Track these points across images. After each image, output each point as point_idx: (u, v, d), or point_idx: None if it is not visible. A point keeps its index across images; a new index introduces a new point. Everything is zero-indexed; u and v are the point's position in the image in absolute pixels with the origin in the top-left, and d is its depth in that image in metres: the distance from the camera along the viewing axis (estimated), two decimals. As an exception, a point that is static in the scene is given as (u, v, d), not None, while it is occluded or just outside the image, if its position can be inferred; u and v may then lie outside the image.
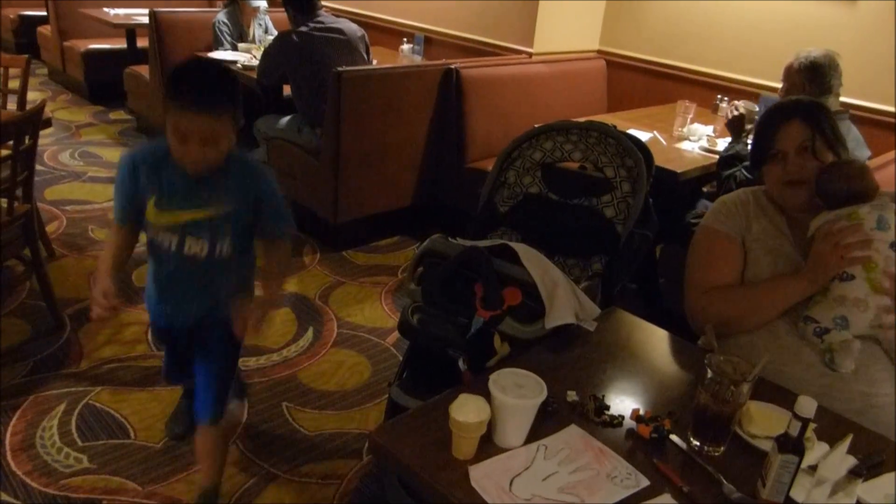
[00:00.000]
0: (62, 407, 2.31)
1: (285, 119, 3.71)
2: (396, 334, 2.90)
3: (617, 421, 1.30)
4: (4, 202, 2.39)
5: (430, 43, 4.69)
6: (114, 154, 4.58)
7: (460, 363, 1.61)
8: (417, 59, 4.63)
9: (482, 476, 1.15)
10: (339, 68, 3.22)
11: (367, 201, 3.60)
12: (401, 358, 2.73)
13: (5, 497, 1.95)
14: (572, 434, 1.26)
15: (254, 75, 3.86)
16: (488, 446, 1.21)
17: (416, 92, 3.53)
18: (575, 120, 2.12)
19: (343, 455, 2.24)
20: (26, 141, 2.35)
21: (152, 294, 1.80)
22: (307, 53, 3.43)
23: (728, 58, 3.80)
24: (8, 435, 2.17)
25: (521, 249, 1.61)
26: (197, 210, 1.61)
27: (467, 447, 1.18)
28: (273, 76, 3.62)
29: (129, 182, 1.62)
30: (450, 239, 1.74)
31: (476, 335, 1.58)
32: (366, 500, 2.07)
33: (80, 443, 2.17)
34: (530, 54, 4.01)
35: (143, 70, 4.64)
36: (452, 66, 3.56)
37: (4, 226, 2.36)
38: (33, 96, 3.87)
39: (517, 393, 1.19)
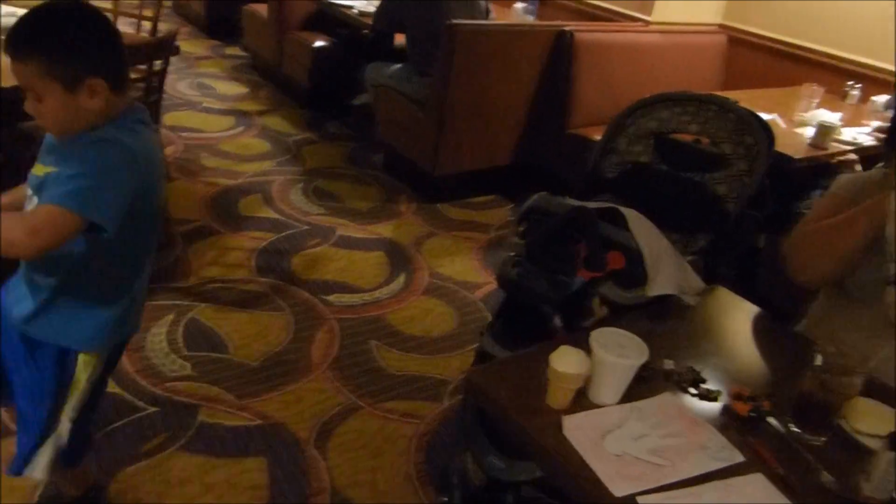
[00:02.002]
0: (170, 317, 2.48)
1: (395, 67, 3.75)
2: (485, 289, 2.95)
3: (713, 395, 1.30)
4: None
5: (543, 3, 4.62)
6: (227, 87, 4.76)
7: (555, 320, 1.63)
8: (529, 20, 4.57)
9: (575, 427, 1.18)
10: (453, 21, 3.23)
11: (467, 156, 3.62)
12: (487, 313, 2.80)
13: (118, 390, 2.13)
14: (666, 401, 1.28)
15: (368, 21, 3.92)
16: (582, 400, 1.24)
17: (527, 52, 3.51)
18: (695, 92, 2.07)
19: (424, 397, 2.32)
20: (157, 65, 2.48)
21: None
22: (427, 2, 3.45)
23: (866, 42, 3.57)
24: (122, 336, 2.35)
25: (631, 215, 1.61)
26: (40, 165, 1.33)
27: (562, 397, 1.21)
28: (389, 22, 3.67)
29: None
30: (558, 198, 1.75)
31: (575, 294, 1.59)
32: (443, 442, 2.14)
33: (184, 351, 2.33)
34: (648, 22, 3.90)
35: (262, 9, 4.77)
36: (566, 29, 3.51)
37: (133, 143, 2.51)
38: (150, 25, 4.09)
39: (618, 352, 1.21)
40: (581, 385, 1.22)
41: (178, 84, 4.67)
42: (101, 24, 1.28)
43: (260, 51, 4.93)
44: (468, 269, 3.10)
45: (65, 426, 1.44)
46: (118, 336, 1.50)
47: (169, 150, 3.68)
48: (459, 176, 3.68)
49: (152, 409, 2.08)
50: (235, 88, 4.77)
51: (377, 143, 4.07)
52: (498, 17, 4.38)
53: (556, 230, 1.65)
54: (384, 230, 3.30)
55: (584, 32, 3.51)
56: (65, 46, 1.22)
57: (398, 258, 3.10)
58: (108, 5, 3.31)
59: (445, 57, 3.27)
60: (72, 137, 1.28)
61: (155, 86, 2.49)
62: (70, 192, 1.20)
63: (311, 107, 4.52)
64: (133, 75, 2.42)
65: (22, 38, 1.21)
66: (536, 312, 1.71)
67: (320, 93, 4.49)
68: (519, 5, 4.67)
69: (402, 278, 2.96)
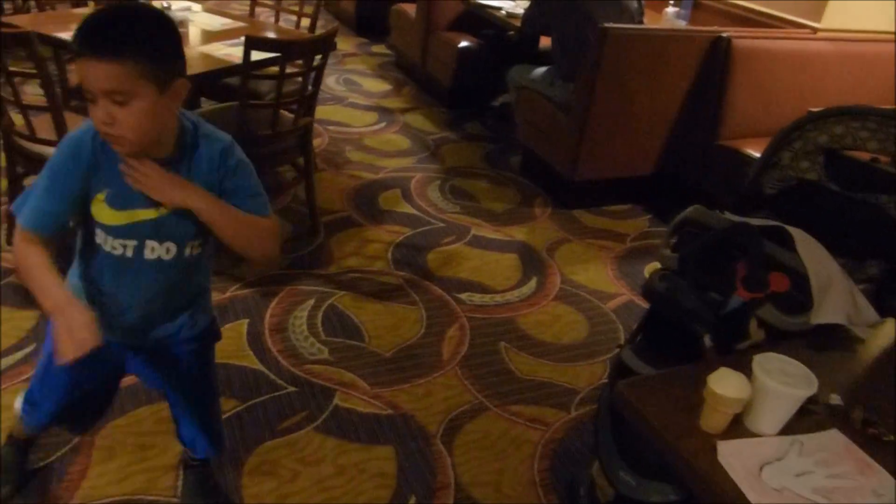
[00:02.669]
0: (311, 302, 2.58)
1: (540, 70, 3.73)
2: (618, 301, 2.87)
3: (886, 437, 1.19)
4: (283, 114, 2.66)
5: (697, 8, 4.44)
6: (372, 84, 4.91)
7: (705, 339, 1.56)
8: (681, 24, 4.40)
9: (730, 454, 1.12)
10: (606, 24, 3.16)
11: (607, 164, 3.54)
12: (620, 325, 2.72)
13: (261, 367, 2.24)
14: (833, 438, 1.18)
15: (515, 23, 3.92)
16: (737, 426, 1.17)
17: (679, 58, 3.38)
18: (878, 107, 1.91)
19: (551, 404, 2.28)
20: (317, 60, 2.59)
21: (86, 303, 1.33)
22: (576, 5, 3.40)
23: None
24: (268, 316, 2.47)
25: (799, 235, 1.51)
26: (146, 208, 1.27)
27: (718, 421, 1.15)
28: (537, 25, 3.65)
29: (72, 168, 1.24)
30: (717, 211, 1.67)
31: (730, 315, 1.51)
32: (569, 452, 2.10)
33: (323, 336, 2.42)
34: (815, 29, 3.65)
35: (410, 8, 4.89)
36: (724, 35, 3.35)
37: (289, 134, 2.64)
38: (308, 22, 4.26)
39: (783, 380, 1.13)
40: (739, 410, 1.15)
41: (326, 79, 4.86)
42: (173, 23, 1.24)
43: (405, 49, 5.05)
44: (601, 279, 3.03)
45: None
46: None
47: (316, 142, 3.84)
48: (597, 183, 3.60)
49: (291, 389, 2.17)
50: (380, 85, 4.91)
51: (515, 145, 4.07)
52: (647, 21, 4.25)
53: (714, 245, 1.57)
54: (518, 233, 3.29)
55: (743, 39, 3.33)
56: (164, 45, 1.17)
57: (531, 262, 3.08)
58: (270, 2, 3.50)
59: (593, 61, 3.21)
60: (148, 146, 1.22)
61: (313, 80, 2.60)
62: (265, 202, 1.35)
63: (451, 106, 4.58)
64: (291, 69, 2.54)
65: (113, 35, 1.12)
66: (684, 329, 1.64)
67: (461, 93, 4.55)
68: (670, 9, 4.51)
69: (533, 282, 2.93)
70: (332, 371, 2.27)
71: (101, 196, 1.26)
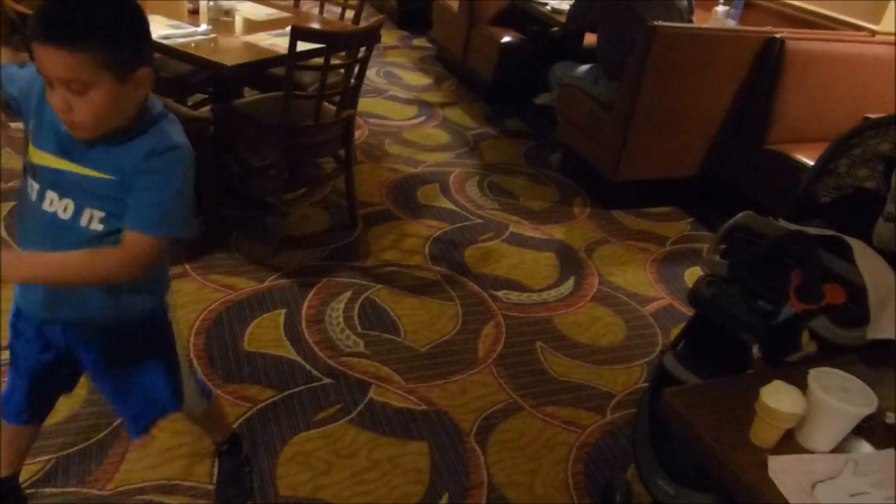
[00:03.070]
0: (348, 294, 2.58)
1: (584, 67, 3.68)
2: (656, 304, 2.83)
3: (947, 459, 1.14)
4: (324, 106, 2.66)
5: (748, 7, 4.34)
6: (413, 77, 4.90)
7: (754, 349, 1.52)
8: (731, 24, 4.31)
9: (782, 470, 1.08)
10: (655, 23, 3.10)
11: (649, 164, 3.48)
12: (658, 330, 2.68)
13: (298, 357, 2.25)
14: (890, 459, 1.14)
15: (559, 18, 3.88)
16: (789, 441, 1.13)
17: (728, 58, 3.30)
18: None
19: (586, 407, 2.25)
20: (362, 52, 2.58)
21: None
22: (625, 2, 3.34)
23: None
24: (305, 307, 2.48)
25: (857, 246, 1.46)
26: (70, 162, 1.21)
27: (770, 435, 1.11)
28: (582, 22, 3.60)
29: (23, 78, 1.24)
30: (769, 218, 1.62)
31: (781, 325, 1.47)
32: (603, 456, 2.07)
33: (359, 328, 2.42)
34: (873, 32, 3.54)
35: (453, 2, 4.86)
36: (777, 36, 3.27)
37: (332, 125, 2.64)
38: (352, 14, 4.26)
39: (841, 397, 1.09)
40: (792, 425, 1.11)
41: (367, 71, 4.86)
42: (140, 9, 1.16)
43: (447, 43, 5.03)
44: (640, 281, 2.98)
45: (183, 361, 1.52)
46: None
47: (356, 134, 3.84)
48: (638, 183, 3.55)
49: (327, 381, 2.18)
50: (420, 79, 4.90)
51: (555, 142, 4.03)
52: (696, 20, 4.16)
53: (767, 253, 1.53)
54: (556, 231, 3.25)
55: (798, 40, 3.25)
56: (123, 33, 1.11)
57: (569, 261, 3.04)
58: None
59: (640, 60, 3.15)
60: (113, 137, 1.18)
61: (357, 72, 2.59)
62: (161, 218, 1.20)
63: (491, 101, 4.55)
64: (335, 61, 2.54)
65: (71, 23, 1.06)
66: (730, 338, 1.60)
67: (502, 88, 4.51)
68: (720, 8, 4.41)
69: (571, 282, 2.90)
70: (367, 364, 2.27)
71: (29, 125, 1.24)
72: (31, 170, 1.24)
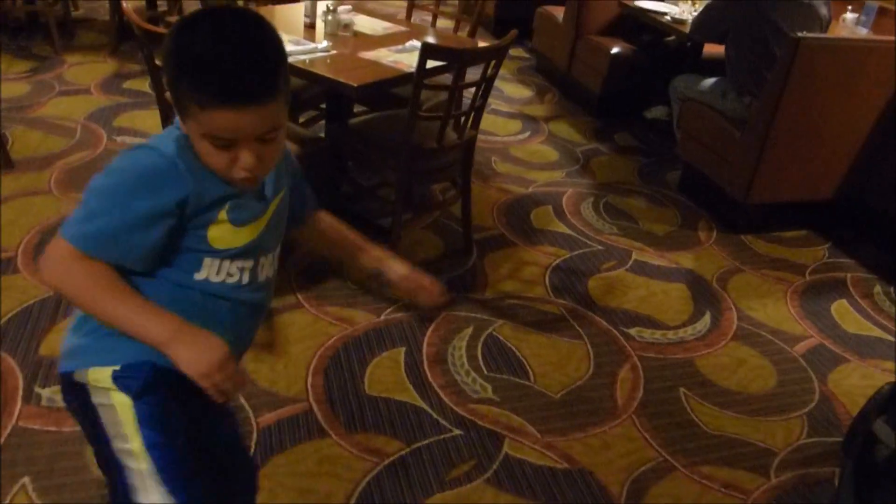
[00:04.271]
0: (469, 330, 2.39)
1: (709, 81, 3.40)
2: (806, 344, 2.54)
3: None
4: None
5: (881, 13, 3.96)
6: (514, 89, 4.69)
7: None
8: (862, 33, 3.95)
9: None
10: (799, 34, 2.81)
11: (785, 186, 3.18)
12: (812, 373, 2.39)
13: (424, 405, 2.07)
14: None
15: (681, 29, 3.61)
16: None
17: (874, 71, 2.98)
18: None
19: (746, 467, 2.00)
20: (490, 70, 2.40)
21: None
22: (762, 12, 3.05)
23: None
24: (425, 345, 2.30)
25: None
26: (264, 213, 1.11)
27: None
28: (712, 33, 3.33)
29: (170, 194, 0.99)
30: None
31: None
32: (775, 530, 1.82)
33: (485, 371, 2.22)
34: None
35: (557, 11, 4.64)
36: (932, 47, 2.93)
37: (454, 148, 2.46)
38: (443, 23, 4.08)
39: None
40: None
41: (465, 84, 4.70)
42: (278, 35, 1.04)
43: (549, 53, 4.81)
44: (784, 317, 2.69)
45: None
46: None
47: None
48: (766, 206, 3.24)
49: (457, 432, 1.99)
50: (521, 91, 4.70)
51: (672, 159, 3.76)
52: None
53: None
54: (684, 259, 2.99)
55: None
56: (286, 61, 1.01)
57: (702, 293, 2.77)
58: (429, 3, 3.35)
59: (780, 74, 2.86)
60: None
61: (483, 91, 2.40)
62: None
63: (598, 115, 4.31)
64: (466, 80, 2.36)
65: (262, 79, 0.94)
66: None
67: (611, 101, 4.26)
68: (849, 15, 4.06)
69: (707, 318, 2.63)
70: (497, 413, 2.07)
71: (222, 217, 1.04)
72: (240, 253, 1.09)
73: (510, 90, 4.68)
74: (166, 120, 2.31)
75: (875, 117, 3.10)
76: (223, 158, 0.98)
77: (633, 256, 2.96)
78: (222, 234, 1.04)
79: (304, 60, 2.32)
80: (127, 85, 3.99)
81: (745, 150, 3.10)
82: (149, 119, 3.57)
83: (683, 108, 3.50)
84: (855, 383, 2.38)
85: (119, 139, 3.36)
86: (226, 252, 1.06)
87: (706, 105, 3.35)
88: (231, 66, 0.92)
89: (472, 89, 2.40)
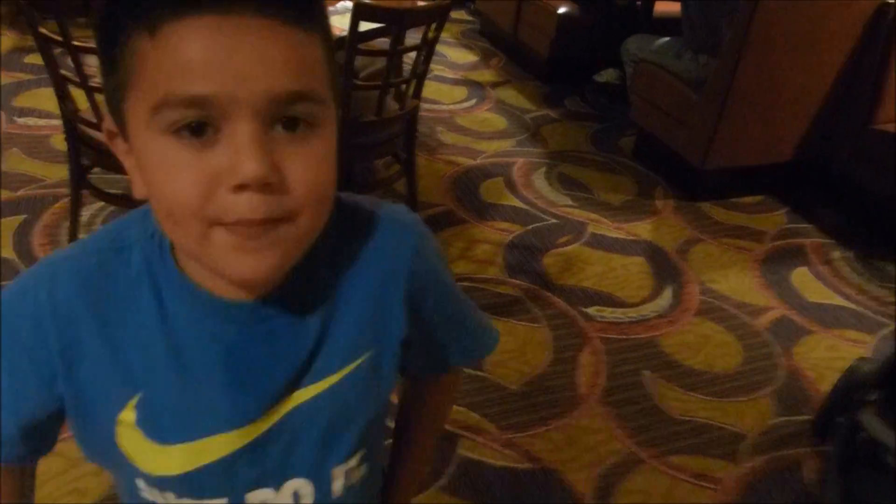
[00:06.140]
0: (419, 318, 2.21)
1: (663, 40, 3.25)
2: (769, 316, 2.44)
3: None
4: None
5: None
6: (457, 54, 4.46)
7: None
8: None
9: None
10: (757, -13, 2.66)
11: (743, 150, 3.06)
12: (778, 348, 2.29)
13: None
14: None
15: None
16: None
17: (836, 27, 2.86)
18: None
19: (717, 454, 1.88)
20: (431, 33, 2.19)
21: None
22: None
23: None
24: (371, 336, 2.11)
25: None
26: (271, 411, 0.61)
27: None
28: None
29: (29, 367, 0.58)
30: None
31: None
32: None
33: (438, 363, 2.05)
34: None
35: (500, -30, 4.41)
36: (890, 1, 2.82)
37: (396, 119, 2.25)
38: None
39: None
40: None
41: (407, 49, 4.45)
42: None
43: (493, 16, 4.58)
44: (747, 288, 2.58)
45: None
46: None
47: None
48: (724, 171, 3.13)
49: (409, 433, 1.81)
50: (466, 56, 4.47)
51: (625, 125, 3.61)
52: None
53: None
54: (641, 230, 2.86)
55: (920, 4, 2.80)
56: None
57: (662, 267, 2.65)
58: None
59: (740, 29, 2.72)
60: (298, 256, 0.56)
61: (425, 56, 2.19)
62: (488, 331, 0.82)
63: (547, 80, 4.12)
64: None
65: None
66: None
67: (560, 65, 4.07)
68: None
69: (668, 293, 2.51)
70: (454, 412, 1.90)
71: (126, 414, 0.58)
72: (177, 483, 0.61)
73: (454, 55, 4.44)
74: (61, 99, 2.00)
75: (833, 75, 3.00)
76: (193, 173, 0.49)
77: (590, 229, 2.81)
78: (128, 443, 0.59)
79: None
80: (29, 59, 3.57)
81: (702, 112, 2.96)
82: (55, 98, 3.22)
83: (636, 71, 3.34)
84: (821, 356, 2.29)
85: (20, 121, 3.02)
86: (160, 480, 0.61)
87: (660, 66, 3.20)
88: None
89: (413, 54, 2.19)
